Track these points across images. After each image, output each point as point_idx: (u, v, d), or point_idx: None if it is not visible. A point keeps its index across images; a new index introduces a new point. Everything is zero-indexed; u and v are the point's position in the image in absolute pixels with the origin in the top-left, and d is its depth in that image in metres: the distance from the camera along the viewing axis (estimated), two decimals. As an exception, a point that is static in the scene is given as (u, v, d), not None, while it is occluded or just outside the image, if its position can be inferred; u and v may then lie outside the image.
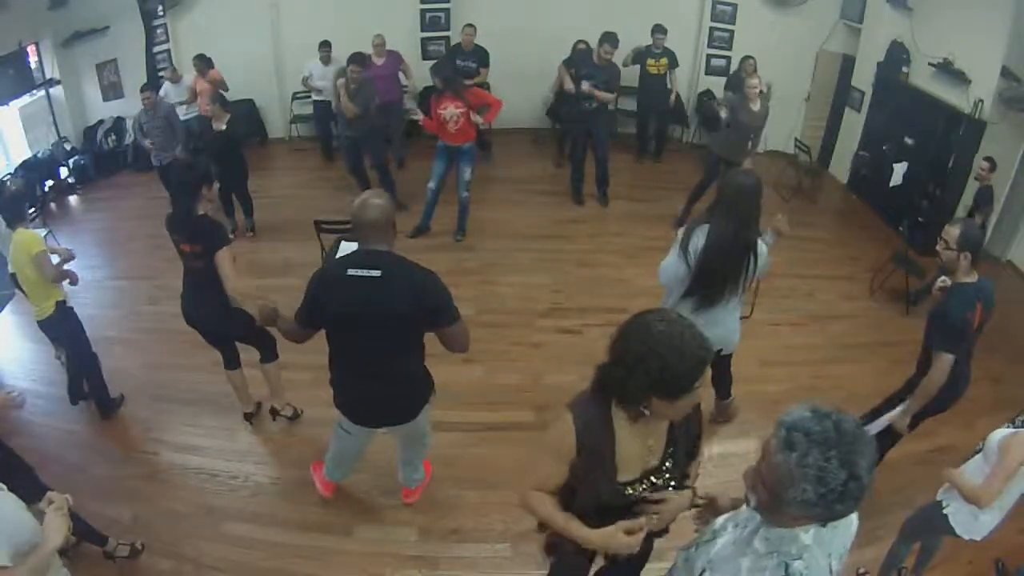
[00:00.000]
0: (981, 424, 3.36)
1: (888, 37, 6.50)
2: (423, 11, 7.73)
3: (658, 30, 6.97)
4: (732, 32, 7.75)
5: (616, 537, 1.65)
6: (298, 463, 3.50)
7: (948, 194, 5.69)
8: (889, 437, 3.11)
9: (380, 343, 2.41)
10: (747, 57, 6.68)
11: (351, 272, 2.32)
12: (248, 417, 3.77)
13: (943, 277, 2.95)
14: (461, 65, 6.55)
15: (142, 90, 5.68)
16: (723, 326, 3.14)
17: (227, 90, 6.41)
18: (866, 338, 4.73)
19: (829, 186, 7.50)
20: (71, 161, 7.08)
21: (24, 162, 6.61)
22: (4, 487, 1.81)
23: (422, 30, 7.80)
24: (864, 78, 6.98)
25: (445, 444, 3.43)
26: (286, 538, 3.09)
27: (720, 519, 1.62)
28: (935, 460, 2.60)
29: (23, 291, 3.61)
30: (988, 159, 4.87)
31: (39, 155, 6.81)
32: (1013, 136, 5.51)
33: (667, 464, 1.75)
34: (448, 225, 5.81)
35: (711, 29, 7.84)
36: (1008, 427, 2.35)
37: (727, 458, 3.39)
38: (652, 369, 1.45)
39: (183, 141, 5.93)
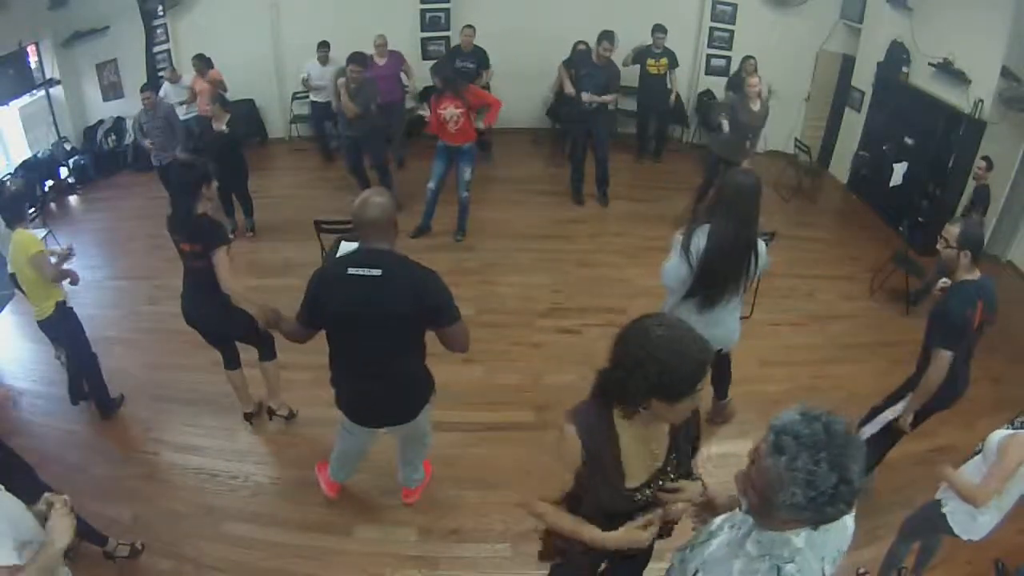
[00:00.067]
0: (981, 424, 3.37)
1: (888, 37, 6.50)
2: (423, 11, 7.73)
3: (658, 30, 6.97)
4: (732, 32, 7.75)
5: (632, 534, 1.68)
6: (298, 463, 3.51)
7: (948, 194, 5.69)
8: (889, 437, 3.11)
9: (380, 343, 2.40)
10: (748, 57, 6.68)
11: (352, 271, 2.31)
12: (248, 417, 3.77)
13: (944, 279, 2.95)
14: (460, 66, 6.55)
15: (142, 90, 5.69)
16: (724, 326, 3.14)
17: (226, 91, 6.41)
18: (866, 338, 4.73)
19: (829, 186, 7.51)
20: (71, 161, 7.08)
21: (24, 162, 6.61)
22: (2, 487, 1.81)
23: (422, 30, 7.81)
24: (864, 78, 6.98)
25: (445, 444, 3.43)
26: (286, 538, 3.09)
27: (717, 520, 1.63)
28: (935, 460, 2.60)
29: (23, 291, 3.62)
30: (985, 158, 4.87)
31: (39, 155, 6.82)
32: (1013, 136, 5.51)
33: (671, 466, 1.75)
34: (448, 225, 5.81)
35: (711, 29, 7.84)
36: (1007, 428, 2.35)
37: (727, 458, 3.38)
38: (651, 373, 1.45)
39: (183, 141, 5.93)
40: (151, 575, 2.92)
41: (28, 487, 2.19)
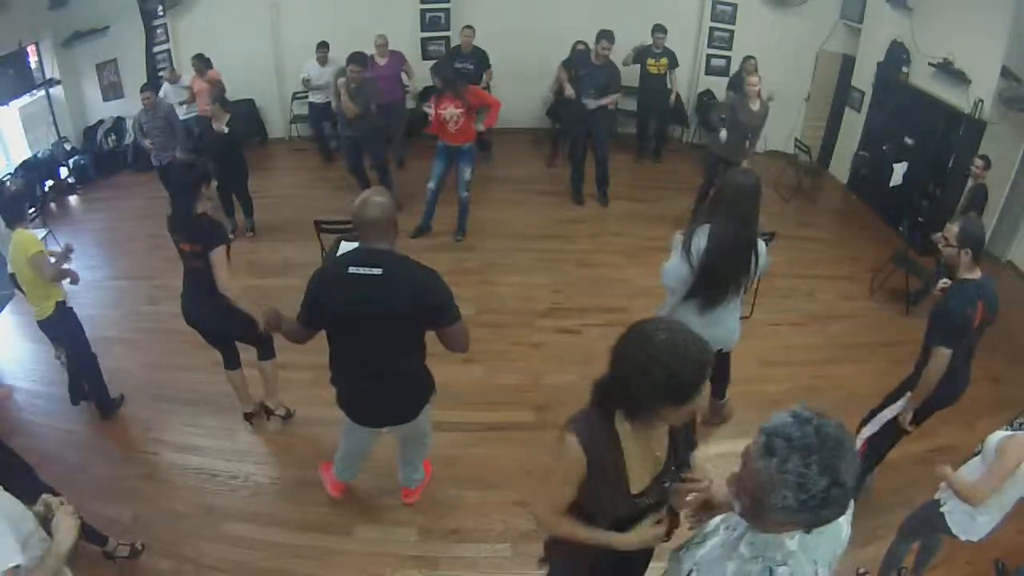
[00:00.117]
0: (981, 424, 3.37)
1: (888, 37, 6.51)
2: (423, 11, 7.73)
3: (658, 30, 6.97)
4: (732, 32, 7.75)
5: (647, 532, 1.69)
6: (298, 463, 3.51)
7: (948, 194, 5.68)
8: (889, 437, 3.11)
9: (380, 342, 2.40)
10: (748, 57, 6.68)
11: (352, 270, 2.31)
12: (248, 417, 3.76)
13: (944, 280, 2.95)
14: (460, 66, 6.55)
15: (142, 90, 5.69)
16: (724, 326, 3.14)
17: (225, 91, 6.41)
18: (866, 338, 4.73)
19: (829, 186, 7.51)
20: (71, 161, 7.08)
21: (24, 162, 6.61)
22: (1, 487, 1.81)
23: (422, 30, 7.81)
24: (864, 78, 6.98)
25: (445, 444, 3.43)
26: (286, 538, 3.09)
27: (713, 521, 1.62)
28: (935, 460, 2.59)
29: (23, 291, 3.61)
30: (983, 157, 4.86)
31: (39, 155, 6.82)
32: (1013, 136, 5.51)
33: (672, 467, 1.75)
34: (448, 225, 5.81)
35: (711, 29, 7.84)
36: (1007, 429, 2.35)
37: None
38: (658, 378, 1.44)
39: (182, 141, 5.93)
40: (151, 575, 2.92)
41: (28, 487, 2.20)
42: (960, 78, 5.59)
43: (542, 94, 8.00)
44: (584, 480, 1.64)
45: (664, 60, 7.10)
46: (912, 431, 2.98)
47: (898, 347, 4.16)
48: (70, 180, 7.03)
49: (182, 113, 6.50)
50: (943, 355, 2.69)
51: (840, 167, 7.54)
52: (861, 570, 2.94)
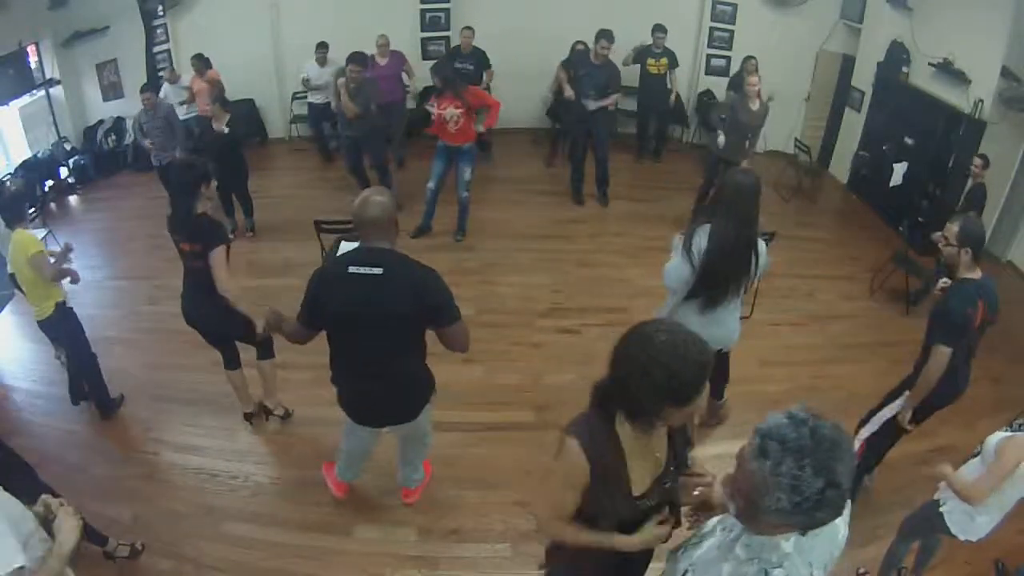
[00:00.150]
0: (981, 425, 3.37)
1: (888, 37, 6.51)
2: (423, 11, 7.73)
3: (658, 29, 6.97)
4: (732, 32, 7.76)
5: (653, 532, 1.68)
6: (298, 463, 3.51)
7: (948, 194, 5.68)
8: (889, 437, 3.11)
9: (381, 342, 2.40)
10: (749, 57, 6.67)
11: (352, 269, 2.30)
12: (248, 417, 3.76)
13: (944, 279, 2.95)
14: (459, 67, 6.56)
15: (142, 91, 5.68)
16: (724, 326, 3.14)
17: (224, 91, 6.40)
18: (866, 338, 4.73)
19: (829, 186, 7.51)
20: (71, 161, 7.08)
21: (24, 162, 6.61)
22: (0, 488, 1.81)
23: (422, 30, 7.81)
24: (864, 78, 6.98)
25: (445, 444, 3.43)
26: (286, 538, 3.09)
27: (711, 522, 1.62)
28: (935, 460, 2.60)
29: (23, 291, 3.61)
30: (981, 156, 4.86)
31: (39, 155, 6.82)
32: (1013, 136, 5.51)
33: (672, 468, 1.75)
34: (448, 225, 5.81)
35: (711, 29, 7.85)
36: (1006, 430, 2.35)
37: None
38: (659, 379, 1.44)
39: (182, 141, 5.93)
40: (151, 575, 2.92)
41: (28, 487, 2.20)
42: (960, 78, 5.59)
43: (542, 94, 8.00)
44: (587, 485, 1.62)
45: (664, 60, 7.10)
46: (911, 430, 2.98)
47: (898, 347, 4.16)
48: (70, 180, 7.03)
49: (182, 113, 6.50)
50: (943, 354, 2.69)
51: (840, 167, 7.54)
52: (861, 570, 2.95)
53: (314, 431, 3.69)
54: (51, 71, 6.91)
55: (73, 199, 6.99)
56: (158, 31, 7.30)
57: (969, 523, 2.42)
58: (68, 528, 1.80)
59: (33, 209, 6.12)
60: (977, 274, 2.70)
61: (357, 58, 5.58)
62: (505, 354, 4.35)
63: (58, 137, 7.08)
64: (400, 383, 2.57)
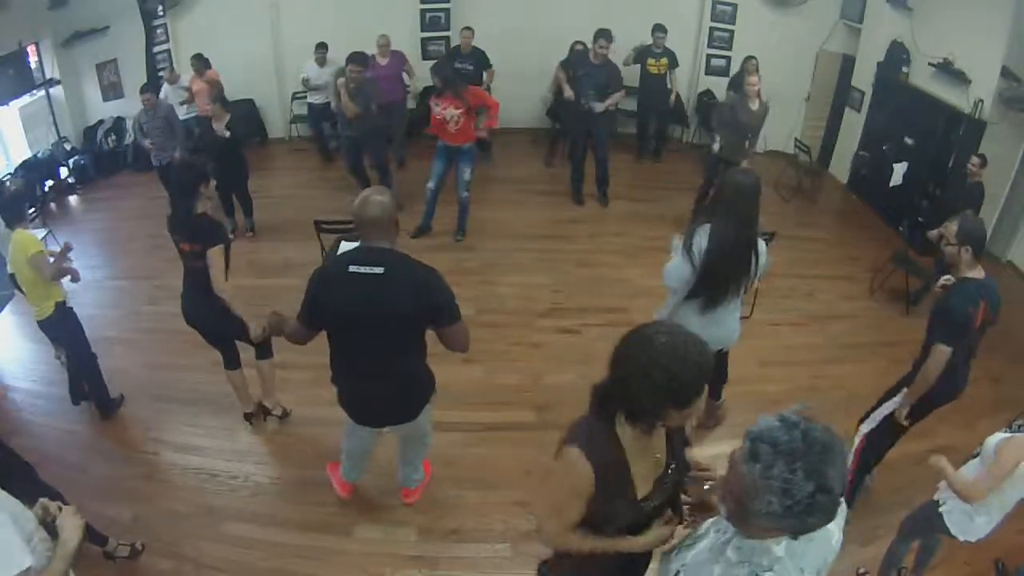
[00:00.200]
0: (981, 424, 3.37)
1: (888, 37, 6.51)
2: (423, 11, 7.73)
3: (658, 29, 6.97)
4: (732, 32, 7.76)
5: (659, 532, 1.68)
6: (298, 463, 3.51)
7: (948, 194, 5.68)
8: (889, 437, 3.11)
9: (381, 342, 2.40)
10: (750, 57, 6.67)
11: (353, 269, 2.30)
12: (248, 417, 3.76)
13: (946, 276, 2.95)
14: (459, 67, 6.56)
15: (142, 91, 5.67)
16: (725, 326, 3.15)
17: (223, 91, 6.40)
18: (866, 338, 4.73)
19: (829, 186, 7.51)
20: (71, 161, 7.08)
21: (24, 162, 6.61)
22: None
23: (422, 30, 7.81)
24: (864, 78, 6.98)
25: (445, 444, 3.43)
26: (286, 538, 3.09)
27: (706, 523, 1.61)
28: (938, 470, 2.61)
29: (22, 291, 3.61)
30: (979, 155, 4.86)
31: (39, 155, 6.81)
32: (1013, 136, 5.51)
33: (671, 468, 1.75)
34: (448, 225, 5.81)
35: (711, 29, 7.85)
36: (1006, 431, 2.35)
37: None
38: (660, 381, 1.43)
39: (182, 141, 5.93)
40: (151, 575, 2.92)
41: (27, 487, 2.20)
42: (960, 78, 5.59)
43: (542, 94, 8.00)
44: (592, 493, 1.60)
45: (664, 60, 7.10)
46: (907, 425, 2.98)
47: (898, 347, 4.16)
48: (70, 180, 7.02)
49: (182, 113, 6.50)
50: (942, 352, 2.69)
51: (840, 167, 7.54)
52: (861, 570, 2.95)
53: (314, 431, 3.69)
54: (51, 71, 6.91)
55: (73, 199, 6.99)
56: (158, 31, 7.30)
57: (968, 523, 2.42)
58: (71, 527, 1.80)
59: (33, 209, 6.12)
60: (980, 273, 2.69)
61: (357, 58, 5.58)
62: (505, 354, 4.35)
63: (58, 137, 7.08)
64: (400, 383, 2.57)
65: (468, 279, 5.04)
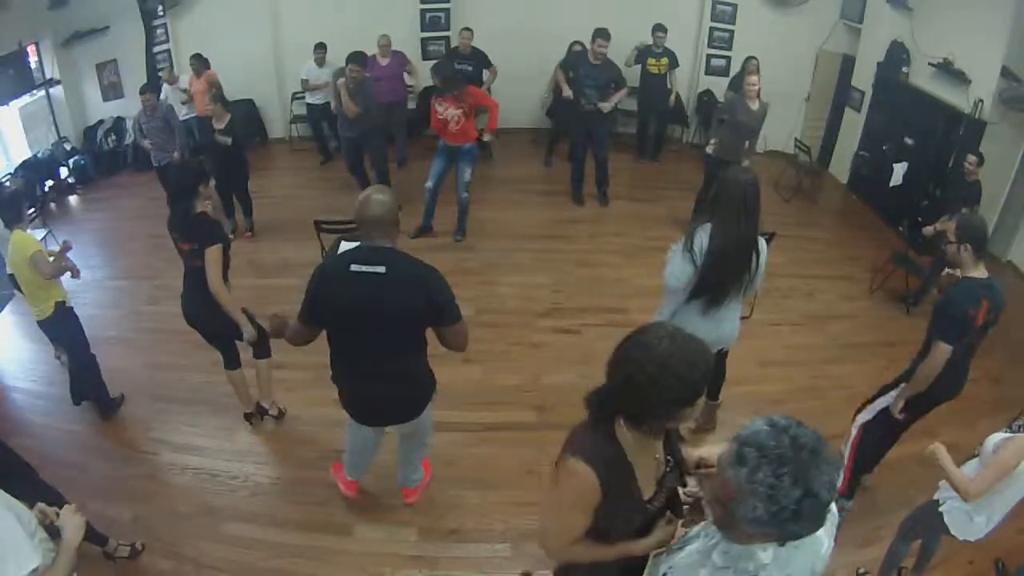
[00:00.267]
0: (981, 424, 3.37)
1: (888, 37, 6.51)
2: (423, 11, 7.73)
3: (659, 29, 6.97)
4: (732, 32, 7.75)
5: (662, 534, 1.67)
6: (298, 463, 3.51)
7: (948, 194, 5.68)
8: (889, 437, 3.11)
9: (382, 342, 2.39)
10: (750, 57, 6.67)
11: (354, 268, 2.29)
12: (248, 417, 3.76)
13: (950, 269, 2.95)
14: (459, 68, 6.56)
15: (141, 92, 5.65)
16: (725, 326, 3.14)
17: (222, 91, 6.40)
18: (866, 338, 4.73)
19: (829, 186, 7.51)
20: (71, 161, 7.08)
21: (24, 162, 6.61)
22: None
23: (422, 30, 7.81)
24: (864, 78, 6.98)
25: (445, 444, 3.43)
26: (286, 538, 3.09)
27: (697, 527, 1.60)
28: (935, 459, 2.60)
29: (22, 292, 3.61)
30: (977, 154, 4.87)
31: (39, 155, 6.81)
32: (1013, 136, 5.51)
33: (669, 467, 1.75)
34: (448, 225, 5.81)
35: (711, 29, 7.84)
36: (1005, 432, 2.35)
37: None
38: (670, 386, 1.42)
39: (182, 142, 5.92)
40: (151, 575, 2.92)
41: (27, 488, 2.20)
42: (960, 78, 5.59)
43: (541, 94, 8.00)
44: (599, 503, 1.57)
45: (664, 60, 7.10)
46: (903, 419, 2.98)
47: (898, 347, 4.17)
48: (70, 180, 7.02)
49: (182, 114, 6.50)
50: (942, 351, 2.69)
51: (840, 167, 7.54)
52: (861, 570, 2.95)
53: (314, 431, 3.69)
54: (51, 71, 6.91)
55: (73, 199, 6.99)
56: (158, 31, 7.30)
57: (968, 523, 2.42)
58: (73, 525, 1.81)
59: (33, 209, 6.12)
60: (983, 273, 2.69)
61: (357, 58, 5.58)
62: (505, 354, 4.35)
63: (58, 137, 7.08)
64: (401, 382, 2.57)
65: (468, 279, 5.04)
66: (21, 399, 4.04)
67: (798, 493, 1.09)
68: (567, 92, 6.09)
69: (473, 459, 3.51)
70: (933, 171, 5.88)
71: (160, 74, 7.10)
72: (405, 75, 6.97)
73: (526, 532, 3.04)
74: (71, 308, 3.64)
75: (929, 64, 5.89)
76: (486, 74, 6.98)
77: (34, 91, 6.78)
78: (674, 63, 7.16)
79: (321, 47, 6.88)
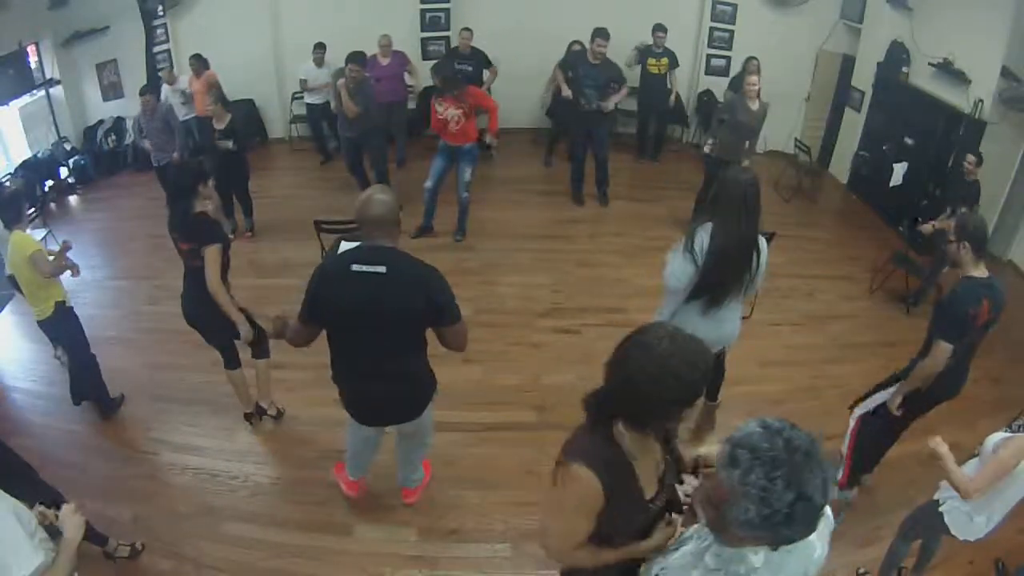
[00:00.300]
0: (982, 424, 3.37)
1: (888, 37, 6.51)
2: (423, 11, 7.73)
3: (659, 29, 6.98)
4: (732, 32, 7.76)
5: (663, 534, 1.67)
6: (298, 463, 3.51)
7: (948, 194, 5.68)
8: (889, 436, 3.11)
9: (383, 341, 2.39)
10: (751, 58, 6.66)
11: (355, 268, 2.29)
12: (248, 417, 3.76)
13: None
14: (459, 68, 6.56)
15: (141, 93, 5.64)
16: (726, 326, 3.15)
17: (221, 91, 6.40)
18: (866, 338, 4.73)
19: (829, 186, 7.51)
20: (71, 161, 7.08)
21: (24, 162, 6.61)
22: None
23: (422, 30, 7.81)
24: (864, 78, 6.98)
25: (445, 444, 3.43)
26: (286, 538, 3.09)
27: (692, 528, 1.59)
28: (935, 459, 2.60)
29: (22, 292, 3.61)
30: (976, 154, 4.87)
31: (39, 155, 6.82)
32: (1013, 136, 5.51)
33: (669, 465, 1.75)
34: (448, 225, 5.81)
35: (711, 29, 7.84)
36: (1005, 432, 2.35)
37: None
38: (672, 388, 1.42)
39: (181, 142, 5.92)
40: (151, 575, 2.92)
41: (27, 488, 2.20)
42: (960, 78, 5.59)
43: (541, 94, 8.00)
44: (603, 507, 1.56)
45: (664, 60, 7.10)
46: (900, 416, 2.98)
47: (898, 347, 4.16)
48: (70, 180, 7.02)
49: (182, 114, 6.50)
50: (942, 350, 2.69)
51: (840, 167, 7.54)
52: (861, 570, 2.95)
53: (314, 431, 3.69)
54: (51, 71, 6.91)
55: (73, 199, 7.00)
56: (158, 31, 7.30)
57: (968, 524, 2.42)
58: (73, 524, 1.81)
59: (33, 209, 6.12)
60: (983, 272, 2.69)
61: (356, 58, 5.59)
62: (505, 354, 4.35)
63: (58, 137, 7.08)
64: (402, 382, 2.57)
65: (468, 279, 5.04)
66: (21, 399, 4.04)
67: (791, 496, 1.08)
68: (566, 92, 6.09)
69: (473, 459, 3.51)
70: (933, 171, 5.88)
71: (160, 74, 7.10)
72: (405, 75, 6.97)
73: (526, 532, 3.04)
74: (71, 308, 3.64)
75: (929, 64, 5.89)
76: (486, 74, 7.00)
77: (34, 91, 6.78)
78: (674, 63, 7.16)
79: (320, 47, 6.88)
